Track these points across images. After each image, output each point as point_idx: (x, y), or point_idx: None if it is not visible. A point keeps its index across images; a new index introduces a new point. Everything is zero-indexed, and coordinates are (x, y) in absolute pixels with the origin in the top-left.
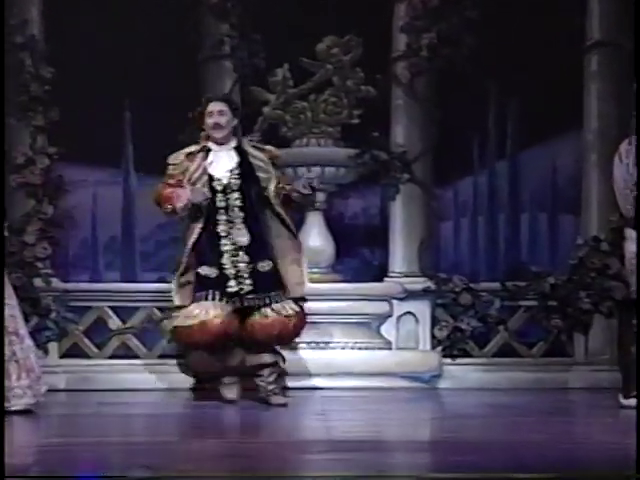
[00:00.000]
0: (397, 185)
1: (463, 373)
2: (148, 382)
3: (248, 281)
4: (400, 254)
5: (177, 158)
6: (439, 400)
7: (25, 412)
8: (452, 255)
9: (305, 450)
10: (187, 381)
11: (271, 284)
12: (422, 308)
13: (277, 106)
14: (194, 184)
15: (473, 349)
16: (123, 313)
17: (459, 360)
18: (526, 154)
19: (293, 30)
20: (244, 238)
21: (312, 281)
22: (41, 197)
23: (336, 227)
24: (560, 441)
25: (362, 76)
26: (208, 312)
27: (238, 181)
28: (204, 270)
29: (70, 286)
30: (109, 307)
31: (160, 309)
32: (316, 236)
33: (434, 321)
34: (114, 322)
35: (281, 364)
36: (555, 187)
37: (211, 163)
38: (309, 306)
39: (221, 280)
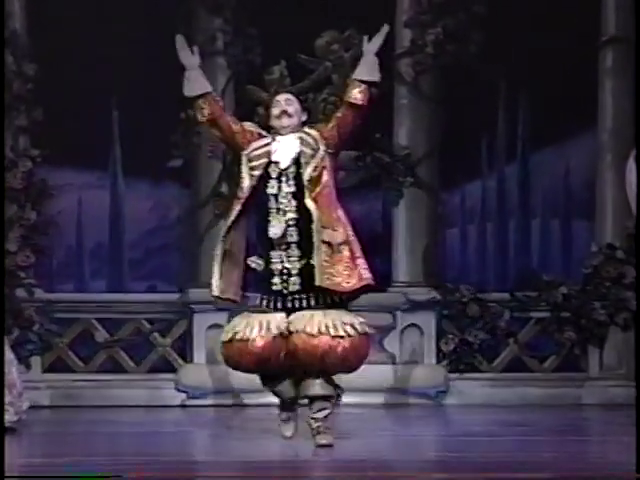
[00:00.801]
0: (400, 189)
1: (470, 389)
2: (137, 398)
3: (295, 279)
4: (404, 263)
5: (252, 126)
6: (445, 417)
7: (6, 430)
8: (459, 264)
9: (301, 470)
10: (178, 397)
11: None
12: (427, 320)
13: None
14: (251, 161)
15: (481, 363)
16: (110, 325)
17: (466, 375)
18: (537, 155)
19: (290, 25)
20: (277, 230)
21: None
22: (23, 202)
23: None
24: (573, 461)
25: None
26: (252, 329)
27: (293, 168)
28: (253, 262)
29: (54, 296)
30: (95, 319)
31: (150, 321)
32: None
33: (440, 334)
34: (101, 335)
35: (335, 399)
36: (568, 191)
37: (275, 150)
38: None
39: (266, 275)
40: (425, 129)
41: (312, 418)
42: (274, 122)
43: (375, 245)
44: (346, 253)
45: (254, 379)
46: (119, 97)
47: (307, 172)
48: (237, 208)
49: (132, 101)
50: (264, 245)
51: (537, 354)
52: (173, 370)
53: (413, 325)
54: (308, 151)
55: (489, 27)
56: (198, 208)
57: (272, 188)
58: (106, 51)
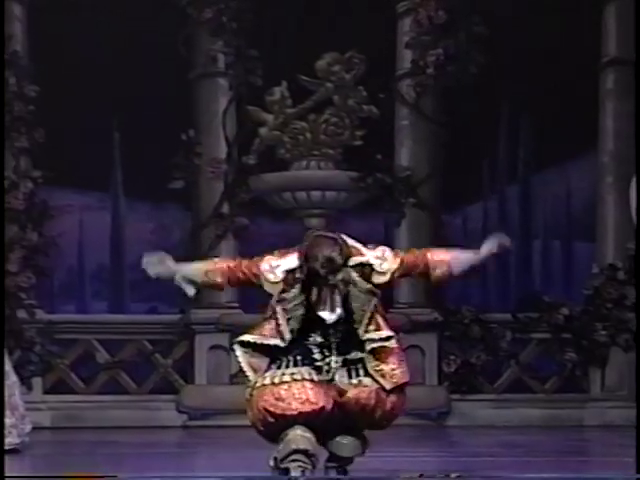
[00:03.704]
0: (402, 210)
1: (472, 410)
2: (138, 419)
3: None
4: (405, 284)
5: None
6: (447, 439)
7: (9, 452)
8: (460, 285)
9: None
10: (179, 418)
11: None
12: (429, 341)
13: (275, 127)
14: None
15: (483, 384)
16: (111, 346)
17: (468, 396)
18: (538, 177)
19: (291, 46)
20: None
21: None
22: (24, 223)
23: None
24: None
25: (365, 95)
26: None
27: None
28: None
29: (55, 317)
30: (96, 340)
31: (151, 342)
32: None
33: (441, 355)
34: (102, 356)
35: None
36: (569, 212)
37: None
38: None
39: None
40: (426, 150)
41: (336, 469)
42: None
43: None
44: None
45: None
46: (120, 119)
47: None
48: None
49: (133, 123)
50: None
51: (539, 375)
52: (174, 391)
53: (415, 346)
54: None
55: (490, 48)
56: (199, 229)
57: None
58: (107, 73)
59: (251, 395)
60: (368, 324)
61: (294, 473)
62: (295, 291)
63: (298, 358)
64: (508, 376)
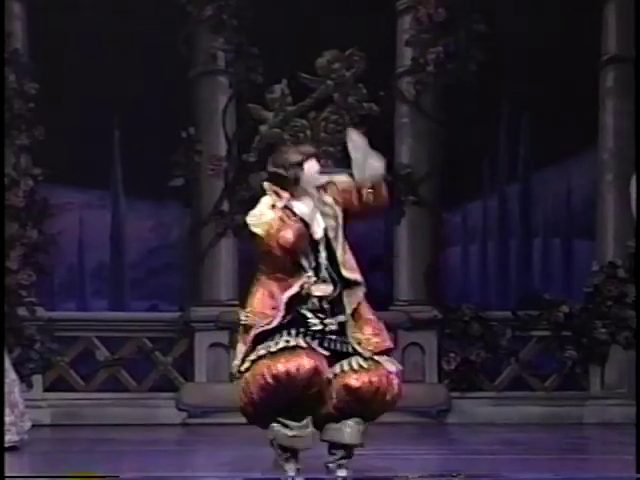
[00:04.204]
0: (402, 208)
1: (472, 407)
2: (138, 417)
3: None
4: (405, 281)
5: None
6: (447, 436)
7: (9, 449)
8: (460, 282)
9: None
10: (179, 416)
11: None
12: (429, 338)
13: (275, 124)
14: None
15: (483, 382)
16: (111, 344)
17: (468, 394)
18: (539, 175)
19: (291, 44)
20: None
21: None
22: (25, 221)
23: None
24: None
25: (365, 92)
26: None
27: None
28: None
29: (55, 315)
30: (96, 337)
31: (151, 340)
32: None
33: (441, 352)
34: (102, 353)
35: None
36: (569, 210)
37: None
38: None
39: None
40: (426, 148)
41: (337, 465)
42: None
43: (377, 264)
44: None
45: None
46: (120, 117)
47: None
48: None
49: (133, 120)
50: None
51: (539, 373)
52: (174, 389)
53: (415, 344)
54: None
55: (490, 46)
56: (199, 227)
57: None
58: (107, 71)
59: (247, 369)
60: (344, 258)
61: (290, 472)
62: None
63: (292, 331)
64: (508, 374)
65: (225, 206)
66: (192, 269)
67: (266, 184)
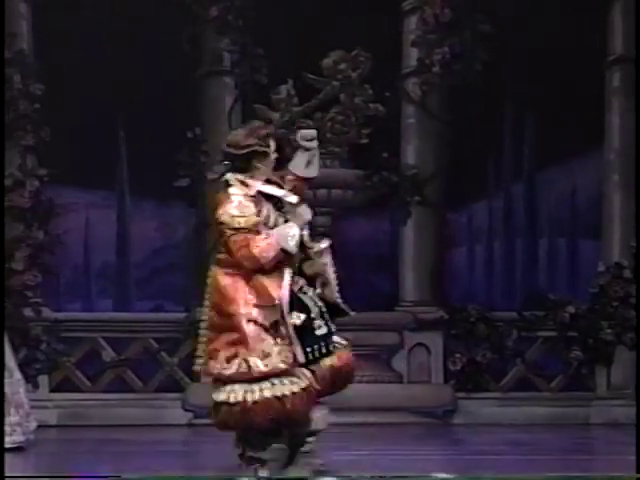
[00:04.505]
0: (408, 208)
1: (478, 408)
2: (144, 417)
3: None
4: (411, 282)
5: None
6: (452, 437)
7: (14, 450)
8: (466, 283)
9: None
10: (185, 416)
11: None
12: (434, 339)
13: (281, 125)
14: None
15: (488, 382)
16: (117, 344)
17: (474, 394)
18: (544, 175)
19: (297, 44)
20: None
21: None
22: (30, 221)
23: (343, 253)
24: None
25: (371, 93)
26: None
27: None
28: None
29: (61, 316)
30: (102, 338)
31: (157, 340)
32: None
33: (447, 353)
34: (108, 354)
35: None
36: (575, 210)
37: None
38: None
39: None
40: (432, 148)
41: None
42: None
43: (383, 264)
44: None
45: None
46: (125, 117)
47: None
48: None
49: (138, 121)
50: None
51: (544, 373)
52: (180, 389)
53: (420, 344)
54: None
55: (495, 46)
56: (204, 227)
57: None
58: (112, 71)
59: (254, 401)
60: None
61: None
62: (266, 207)
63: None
64: (514, 374)
65: None
66: (197, 269)
67: (229, 175)
